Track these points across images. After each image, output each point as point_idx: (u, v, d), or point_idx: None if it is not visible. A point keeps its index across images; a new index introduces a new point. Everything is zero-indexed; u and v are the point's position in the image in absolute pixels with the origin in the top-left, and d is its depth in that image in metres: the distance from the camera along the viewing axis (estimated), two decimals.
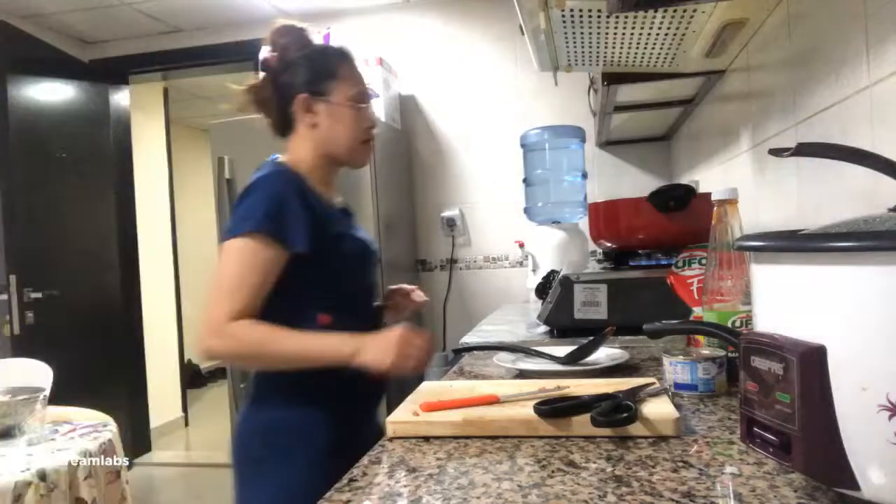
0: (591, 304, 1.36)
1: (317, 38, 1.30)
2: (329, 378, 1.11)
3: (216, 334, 1.07)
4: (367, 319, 1.26)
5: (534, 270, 2.48)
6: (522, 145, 2.79)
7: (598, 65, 1.65)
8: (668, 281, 1.11)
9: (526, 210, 2.76)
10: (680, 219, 1.35)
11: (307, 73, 1.24)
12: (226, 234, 1.13)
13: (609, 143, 3.11)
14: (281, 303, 1.13)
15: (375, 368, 1.05)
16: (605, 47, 1.48)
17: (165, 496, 3.46)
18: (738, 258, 0.88)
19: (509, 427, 0.73)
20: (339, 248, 1.20)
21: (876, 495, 0.45)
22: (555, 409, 0.73)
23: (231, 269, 1.10)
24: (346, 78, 1.25)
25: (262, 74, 1.28)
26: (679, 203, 1.34)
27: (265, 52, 1.28)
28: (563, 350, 1.18)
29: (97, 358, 3.55)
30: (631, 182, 3.09)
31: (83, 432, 1.84)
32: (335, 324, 1.15)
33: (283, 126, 1.27)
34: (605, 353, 1.12)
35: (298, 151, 1.25)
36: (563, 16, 1.28)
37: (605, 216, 1.50)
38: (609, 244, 1.52)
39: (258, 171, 1.20)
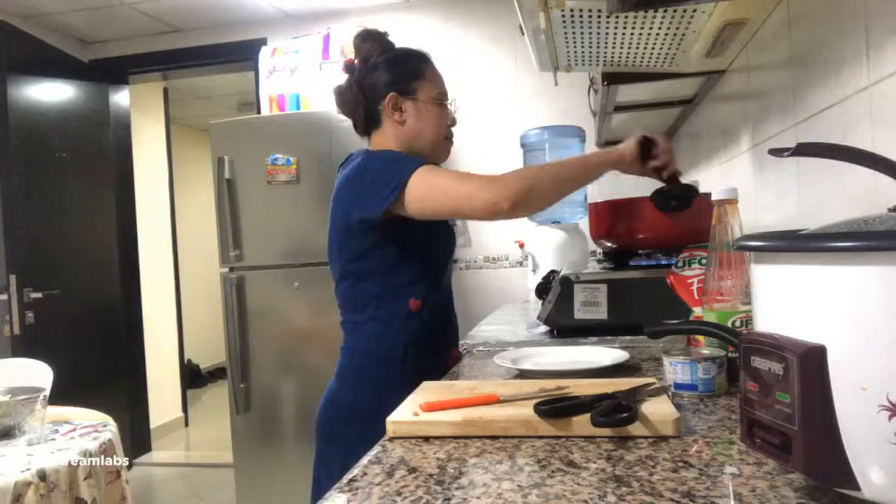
0: (591, 304, 1.36)
1: (397, 42, 1.40)
2: (413, 365, 1.25)
3: (493, 193, 1.14)
4: (446, 298, 1.40)
5: (534, 270, 2.48)
6: (522, 145, 2.79)
7: (598, 65, 1.65)
8: (668, 281, 1.11)
9: None
10: (680, 219, 1.35)
11: (394, 74, 1.33)
12: (393, 188, 1.19)
13: (609, 143, 3.10)
14: (381, 281, 1.27)
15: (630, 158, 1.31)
16: (605, 47, 1.48)
17: (165, 496, 3.46)
18: (738, 258, 0.88)
19: (509, 427, 0.73)
20: (441, 229, 1.34)
21: (876, 495, 0.45)
22: (555, 409, 0.73)
23: (444, 179, 1.19)
24: (429, 78, 1.35)
25: (345, 77, 1.38)
26: (680, 203, 1.33)
27: (347, 57, 1.40)
28: (564, 350, 1.18)
29: (97, 358, 3.56)
30: (631, 182, 3.09)
31: (83, 432, 1.84)
32: (423, 306, 1.29)
33: (368, 124, 1.37)
34: (605, 353, 1.12)
35: (384, 146, 1.35)
36: (563, 16, 1.28)
37: (605, 216, 1.50)
38: (609, 244, 1.52)
39: (351, 161, 1.31)
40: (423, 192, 1.18)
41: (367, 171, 1.24)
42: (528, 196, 1.16)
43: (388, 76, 1.33)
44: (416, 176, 1.19)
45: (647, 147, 1.34)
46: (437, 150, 1.37)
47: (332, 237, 1.32)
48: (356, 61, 1.36)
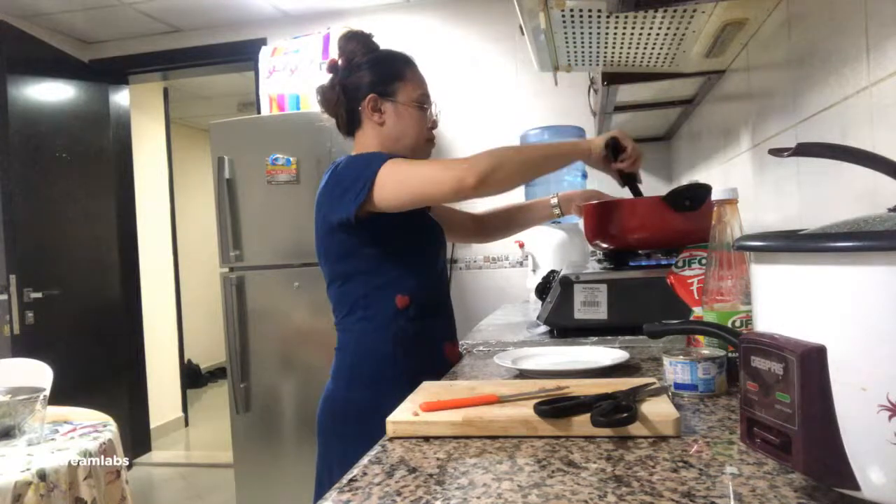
0: (591, 304, 1.36)
1: (381, 44, 1.41)
2: (404, 362, 1.26)
3: (458, 170, 1.16)
4: (438, 294, 1.40)
5: (534, 270, 2.48)
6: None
7: (598, 65, 1.65)
8: (668, 281, 1.11)
9: None
10: (678, 219, 1.35)
11: (375, 75, 1.34)
12: (361, 186, 1.21)
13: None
14: (367, 281, 1.28)
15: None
16: (605, 47, 1.48)
17: (165, 496, 3.46)
18: (738, 258, 0.88)
19: (509, 427, 0.73)
20: (422, 225, 1.34)
21: (876, 495, 0.45)
22: (555, 409, 0.73)
23: (409, 168, 1.22)
24: (411, 80, 1.36)
25: (329, 76, 1.39)
26: (694, 203, 1.32)
27: (331, 57, 1.41)
28: (564, 350, 1.18)
29: (97, 358, 3.56)
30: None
31: (83, 432, 1.84)
32: (411, 303, 1.29)
33: (350, 124, 1.38)
34: (605, 353, 1.12)
35: (366, 147, 1.36)
36: (563, 16, 1.28)
37: (599, 217, 1.48)
38: (604, 245, 1.51)
39: (333, 165, 1.32)
40: (391, 184, 1.21)
41: (342, 175, 1.27)
42: (493, 175, 1.17)
43: (370, 77, 1.34)
44: (383, 170, 1.21)
45: (615, 149, 1.37)
46: (416, 152, 1.38)
47: (317, 241, 1.35)
48: (340, 61, 1.38)
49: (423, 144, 1.38)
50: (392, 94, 1.34)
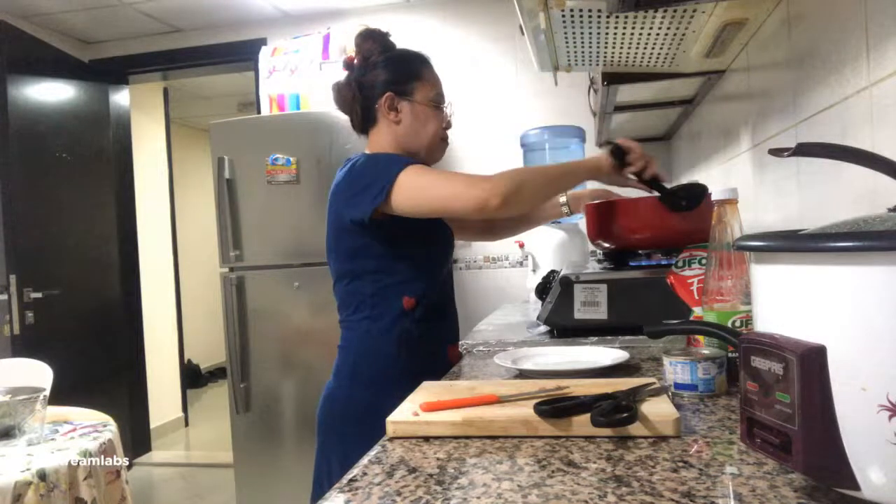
0: (591, 304, 1.36)
1: (396, 43, 1.42)
2: (407, 362, 1.27)
3: (482, 189, 1.17)
4: (444, 296, 1.41)
5: (534, 270, 2.48)
6: (522, 145, 2.79)
7: (598, 65, 1.65)
8: (668, 281, 1.11)
9: None
10: (679, 219, 1.35)
11: (392, 74, 1.35)
12: (380, 189, 1.21)
13: (609, 144, 3.10)
14: (375, 280, 1.28)
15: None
16: (605, 47, 1.48)
17: (165, 496, 3.46)
18: (738, 258, 0.88)
19: (509, 427, 0.73)
20: (433, 228, 1.34)
21: (876, 495, 0.45)
22: (555, 409, 0.73)
23: (431, 178, 1.22)
24: (427, 80, 1.37)
25: (345, 74, 1.40)
26: (691, 202, 1.32)
27: (348, 54, 1.42)
28: (564, 350, 1.18)
29: (97, 358, 3.55)
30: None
31: (83, 432, 1.84)
32: (418, 304, 1.30)
33: (364, 122, 1.39)
34: (605, 353, 1.12)
35: (381, 145, 1.37)
36: (563, 16, 1.28)
37: (601, 217, 1.49)
38: (606, 245, 1.52)
39: (349, 162, 1.32)
40: (410, 192, 1.21)
41: (360, 174, 1.27)
42: (517, 195, 1.19)
43: (386, 75, 1.34)
44: (403, 176, 1.21)
45: (620, 155, 1.36)
46: (431, 151, 1.38)
47: (328, 238, 1.35)
48: (356, 59, 1.38)
49: (438, 144, 1.39)
50: (409, 93, 1.34)
